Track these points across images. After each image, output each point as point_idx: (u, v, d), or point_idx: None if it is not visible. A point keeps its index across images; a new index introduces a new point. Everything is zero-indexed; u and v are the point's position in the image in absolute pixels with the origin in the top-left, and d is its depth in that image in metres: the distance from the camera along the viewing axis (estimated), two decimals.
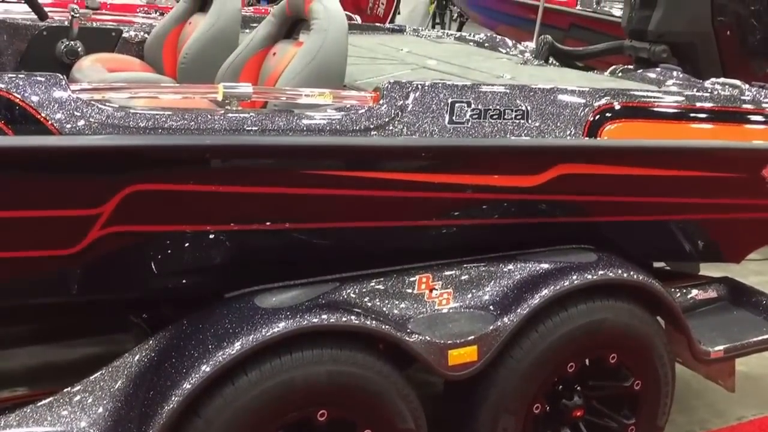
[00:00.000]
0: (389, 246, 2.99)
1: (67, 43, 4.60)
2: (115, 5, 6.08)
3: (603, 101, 3.14)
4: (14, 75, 2.41)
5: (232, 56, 3.78)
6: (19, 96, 2.36)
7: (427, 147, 2.87)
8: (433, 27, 13.43)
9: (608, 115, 3.13)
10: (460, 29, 13.97)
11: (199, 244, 2.68)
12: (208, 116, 2.56)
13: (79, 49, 4.60)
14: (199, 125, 2.54)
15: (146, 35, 4.78)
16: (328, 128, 2.71)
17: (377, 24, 6.26)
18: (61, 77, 2.46)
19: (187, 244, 2.66)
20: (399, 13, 10.87)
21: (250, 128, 2.61)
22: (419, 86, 2.87)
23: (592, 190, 3.19)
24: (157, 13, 5.54)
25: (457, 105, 2.90)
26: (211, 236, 2.68)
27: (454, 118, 2.89)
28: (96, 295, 2.75)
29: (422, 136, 2.83)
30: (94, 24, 4.83)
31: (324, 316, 2.65)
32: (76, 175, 2.46)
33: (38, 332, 3.17)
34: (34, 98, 2.38)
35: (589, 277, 3.07)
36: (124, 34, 4.82)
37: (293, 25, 3.73)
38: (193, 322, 2.74)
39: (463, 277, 3.02)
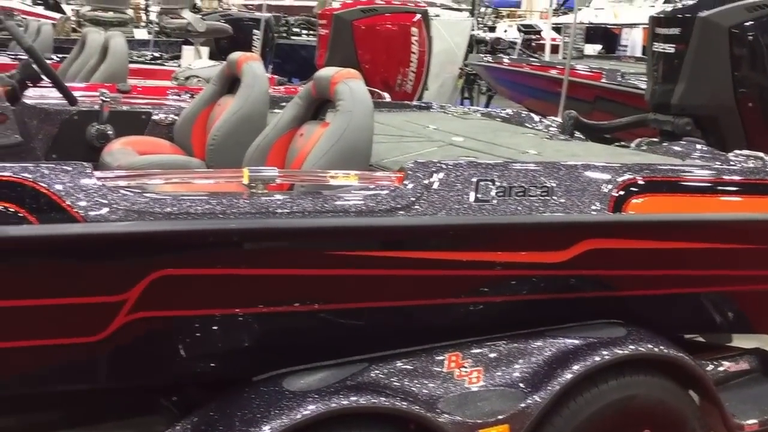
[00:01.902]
0: (418, 325, 2.98)
1: (98, 126, 4.66)
2: (146, 88, 6.18)
3: (626, 176, 3.16)
4: (41, 164, 2.45)
5: (260, 137, 3.83)
6: (44, 185, 2.40)
7: (454, 225, 2.88)
8: (462, 102, 13.56)
9: (633, 189, 3.15)
10: (488, 103, 14.13)
11: (227, 328, 2.68)
12: (234, 200, 2.59)
13: (110, 133, 4.66)
14: (225, 209, 2.57)
15: (176, 117, 4.82)
16: (354, 210, 2.74)
17: (405, 102, 6.30)
18: (87, 165, 2.50)
19: (214, 328, 2.67)
20: (427, 89, 10.95)
21: (276, 211, 2.63)
22: (443, 166, 2.89)
23: (619, 264, 3.18)
24: (188, 95, 5.61)
25: (482, 183, 2.92)
26: (239, 319, 2.68)
27: (479, 196, 2.91)
28: (123, 382, 2.75)
29: (448, 215, 2.85)
30: (124, 107, 4.90)
31: (353, 398, 2.64)
32: (102, 262, 2.48)
33: (69, 416, 3.17)
34: (59, 186, 2.42)
35: (619, 352, 3.05)
36: (154, 117, 4.87)
37: (320, 106, 3.76)
38: (221, 406, 2.72)
39: (492, 355, 3.00)
